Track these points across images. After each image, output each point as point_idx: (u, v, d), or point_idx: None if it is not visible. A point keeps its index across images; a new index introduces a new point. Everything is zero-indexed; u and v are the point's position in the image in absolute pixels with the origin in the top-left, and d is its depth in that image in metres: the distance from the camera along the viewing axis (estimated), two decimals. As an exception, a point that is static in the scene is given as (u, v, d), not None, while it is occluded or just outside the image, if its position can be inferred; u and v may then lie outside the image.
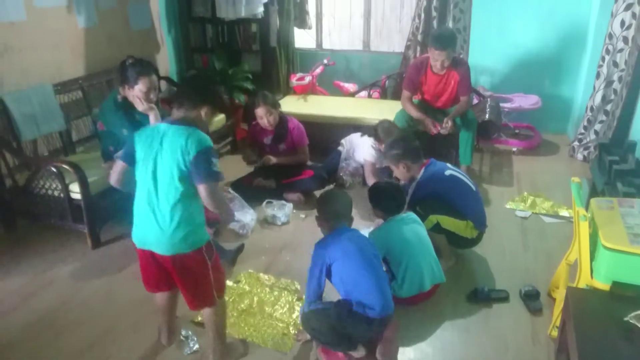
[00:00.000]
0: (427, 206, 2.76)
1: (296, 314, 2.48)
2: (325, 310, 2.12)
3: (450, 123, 3.75)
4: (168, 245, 1.91)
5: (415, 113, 3.90)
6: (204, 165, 1.87)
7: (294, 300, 2.58)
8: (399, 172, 2.92)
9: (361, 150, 3.77)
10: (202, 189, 1.89)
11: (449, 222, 2.77)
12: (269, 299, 2.60)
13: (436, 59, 3.71)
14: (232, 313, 2.48)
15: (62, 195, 3.03)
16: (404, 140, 2.98)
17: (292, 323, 2.43)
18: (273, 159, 3.65)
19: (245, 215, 3.28)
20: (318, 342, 2.17)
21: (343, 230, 2.26)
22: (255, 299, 2.59)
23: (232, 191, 3.38)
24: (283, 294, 2.63)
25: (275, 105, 3.63)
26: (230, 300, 2.57)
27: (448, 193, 2.81)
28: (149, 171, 1.92)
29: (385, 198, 2.62)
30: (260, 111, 3.57)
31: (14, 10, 3.35)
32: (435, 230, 2.75)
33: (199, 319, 2.37)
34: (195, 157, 1.86)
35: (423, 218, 2.72)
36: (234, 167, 4.19)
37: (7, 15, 3.31)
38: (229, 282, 2.73)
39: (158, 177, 1.91)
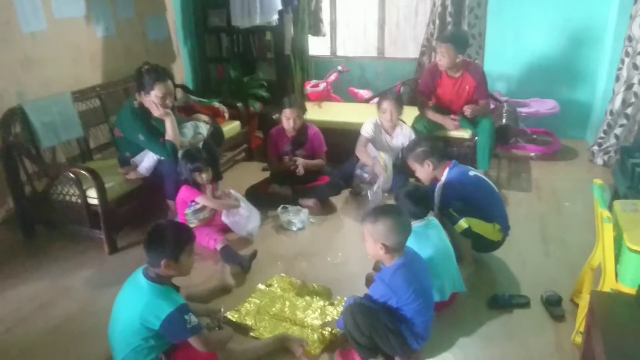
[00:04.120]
0: (459, 210, 2.68)
1: (328, 319, 2.43)
2: (376, 311, 2.03)
3: (469, 110, 3.75)
4: None
5: (433, 115, 3.91)
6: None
7: (326, 305, 2.54)
8: (423, 172, 2.86)
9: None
10: None
11: (479, 226, 2.69)
12: (300, 303, 2.56)
13: (437, 52, 3.75)
14: (264, 317, 2.47)
15: (79, 201, 3.06)
16: (430, 139, 2.95)
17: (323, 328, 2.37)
18: (301, 160, 3.64)
19: (250, 221, 3.24)
20: (349, 336, 2.09)
21: (407, 261, 2.05)
22: (287, 303, 2.56)
23: (233, 192, 3.33)
24: (315, 299, 2.59)
25: (304, 110, 3.67)
26: (262, 303, 2.56)
27: (475, 194, 2.75)
28: None
29: (413, 202, 2.48)
30: (289, 113, 3.59)
31: (35, 21, 3.43)
32: (466, 234, 2.68)
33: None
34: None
35: (455, 221, 2.66)
36: (250, 174, 4.21)
37: (28, 26, 3.39)
38: (260, 286, 2.72)
39: None
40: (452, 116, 3.89)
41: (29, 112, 3.23)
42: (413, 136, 3.70)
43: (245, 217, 3.22)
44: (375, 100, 5.02)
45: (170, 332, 1.97)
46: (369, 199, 3.61)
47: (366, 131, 3.76)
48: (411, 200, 2.45)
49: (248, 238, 3.23)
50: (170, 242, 2.01)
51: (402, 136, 3.79)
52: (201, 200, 3.08)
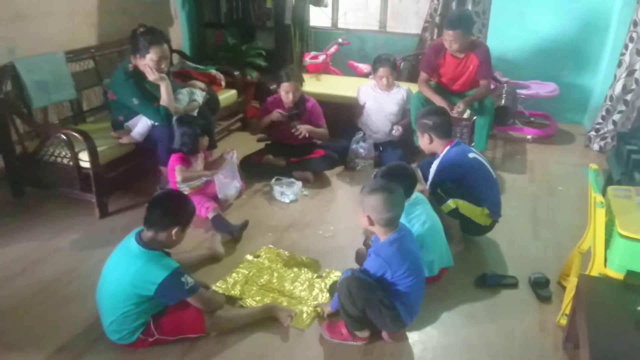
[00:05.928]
0: (448, 190, 2.68)
1: (316, 291, 2.44)
2: (372, 286, 2.03)
3: (462, 107, 3.68)
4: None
5: (432, 96, 3.82)
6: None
7: (314, 277, 2.54)
8: (422, 142, 2.87)
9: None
10: None
11: (466, 208, 2.69)
12: (288, 275, 2.56)
13: (446, 39, 3.66)
14: (252, 287, 2.47)
15: (71, 163, 3.02)
16: (439, 114, 2.89)
17: (311, 300, 2.39)
18: (307, 126, 3.59)
19: (230, 187, 3.20)
20: (340, 307, 2.10)
21: (401, 236, 2.06)
22: (275, 274, 2.56)
23: (235, 155, 3.28)
24: (302, 271, 2.59)
25: (302, 82, 3.60)
26: (250, 274, 2.56)
27: (469, 176, 2.73)
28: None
29: (399, 179, 2.40)
30: (287, 86, 3.50)
31: (28, -25, 3.32)
32: (452, 215, 2.69)
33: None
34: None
35: (442, 201, 2.66)
36: (244, 144, 4.16)
37: (21, -20, 3.28)
38: (248, 256, 2.72)
39: None
40: (456, 107, 3.72)
41: (20, 69, 3.15)
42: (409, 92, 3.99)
43: (230, 181, 3.19)
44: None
45: (167, 295, 1.99)
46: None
47: (362, 99, 4.04)
48: (386, 178, 2.36)
49: (224, 202, 3.19)
50: (189, 212, 2.12)
51: (400, 92, 3.97)
52: (177, 172, 3.01)
